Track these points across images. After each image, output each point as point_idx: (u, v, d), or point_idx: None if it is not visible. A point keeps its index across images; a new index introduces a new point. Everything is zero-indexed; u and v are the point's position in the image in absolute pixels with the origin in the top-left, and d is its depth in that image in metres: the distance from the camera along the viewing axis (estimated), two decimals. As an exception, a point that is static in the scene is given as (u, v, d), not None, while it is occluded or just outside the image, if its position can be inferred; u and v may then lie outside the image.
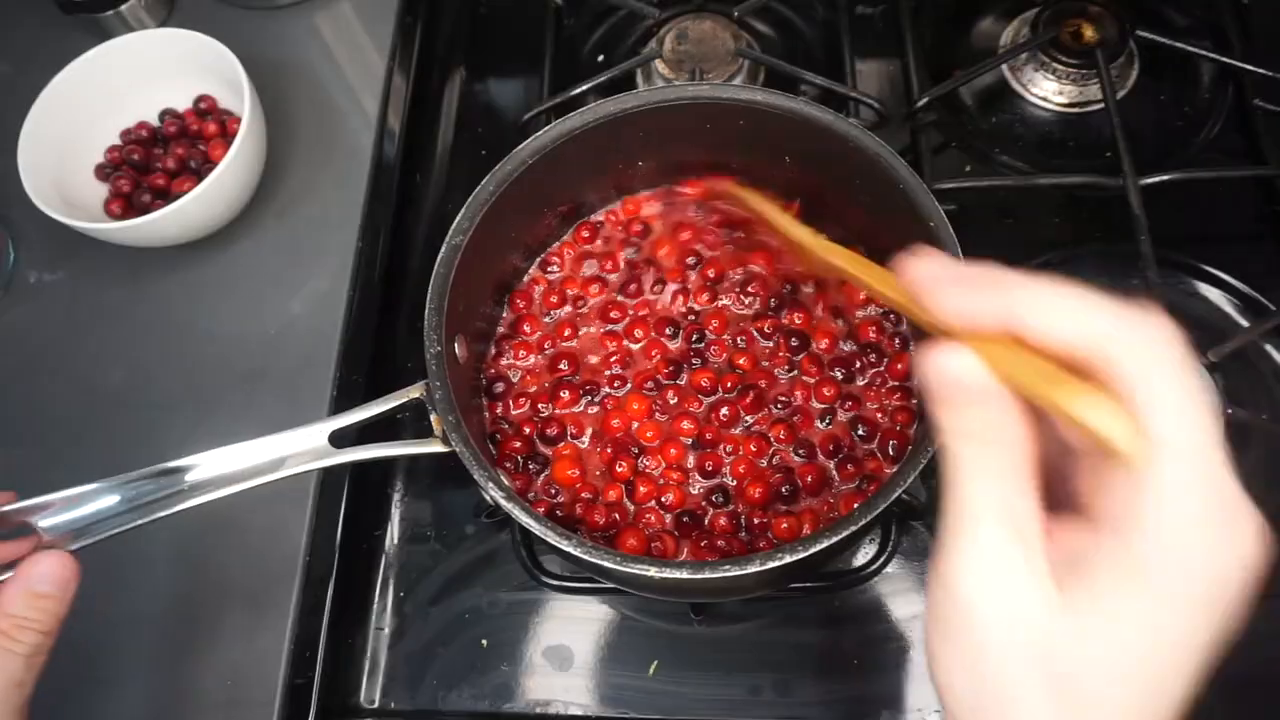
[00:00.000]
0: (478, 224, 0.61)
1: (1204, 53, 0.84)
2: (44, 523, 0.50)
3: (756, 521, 0.63)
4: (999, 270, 0.34)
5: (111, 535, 0.51)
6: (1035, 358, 0.32)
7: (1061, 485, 0.35)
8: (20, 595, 0.49)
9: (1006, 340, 0.33)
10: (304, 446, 0.55)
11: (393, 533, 0.75)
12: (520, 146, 0.63)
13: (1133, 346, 0.31)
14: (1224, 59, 0.83)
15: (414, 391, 0.57)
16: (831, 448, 0.64)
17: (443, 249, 0.60)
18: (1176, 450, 0.30)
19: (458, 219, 0.61)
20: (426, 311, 0.58)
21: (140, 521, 0.51)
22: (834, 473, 0.64)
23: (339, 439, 0.55)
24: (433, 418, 0.56)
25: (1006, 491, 0.33)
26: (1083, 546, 0.32)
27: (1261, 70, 0.82)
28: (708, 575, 0.51)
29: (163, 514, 0.52)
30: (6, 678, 0.48)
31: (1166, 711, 0.31)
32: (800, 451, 0.64)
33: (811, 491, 0.63)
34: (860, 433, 0.65)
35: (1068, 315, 0.32)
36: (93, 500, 0.51)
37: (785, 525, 0.62)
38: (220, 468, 0.53)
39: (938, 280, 0.35)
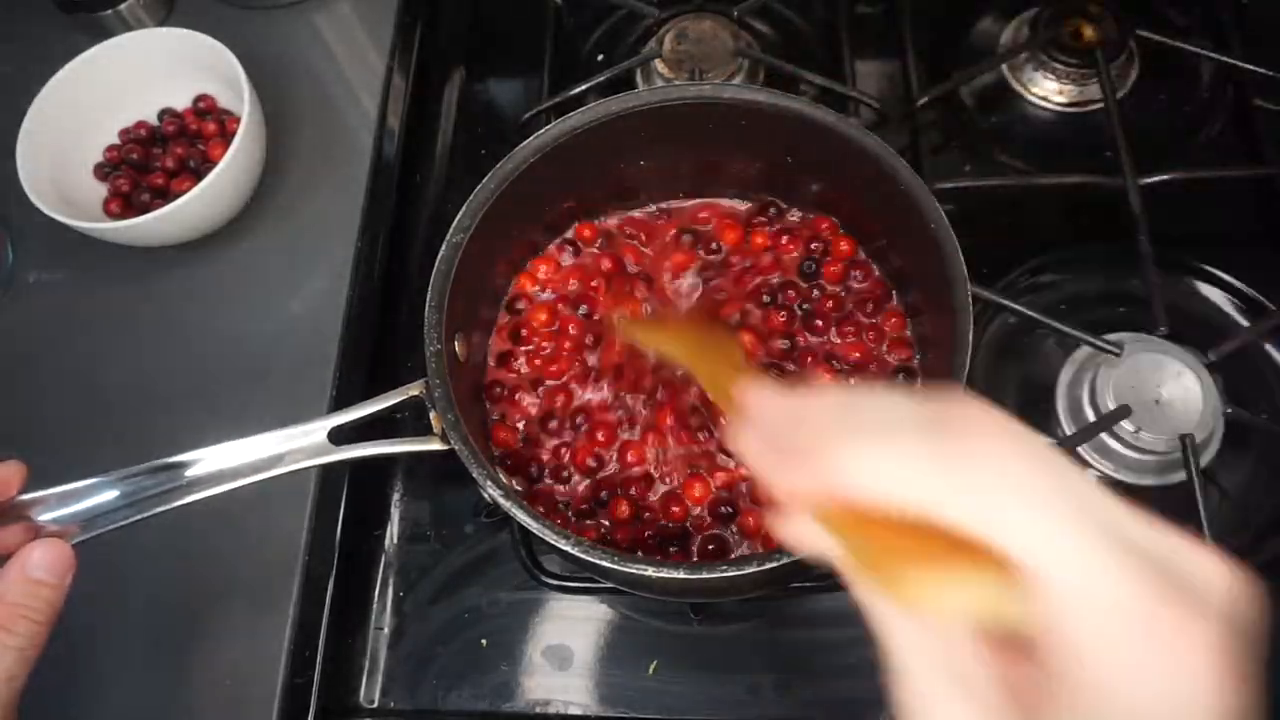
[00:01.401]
0: (479, 223, 0.61)
1: (1204, 52, 0.84)
2: (43, 517, 0.50)
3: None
4: (819, 420, 0.31)
5: (110, 530, 0.51)
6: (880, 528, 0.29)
7: None
8: (17, 582, 0.47)
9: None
10: (303, 443, 0.55)
11: (392, 532, 0.75)
12: (521, 145, 0.63)
13: (975, 492, 0.28)
14: (1224, 58, 0.83)
15: (413, 389, 0.57)
16: None
17: (443, 247, 0.60)
18: (1068, 589, 0.27)
19: (458, 217, 0.61)
20: (426, 310, 0.58)
21: (139, 517, 0.51)
22: None
23: (338, 436, 0.55)
24: (432, 416, 0.56)
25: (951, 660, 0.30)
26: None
27: (1261, 70, 0.82)
28: (705, 575, 0.51)
29: (162, 509, 0.52)
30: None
31: None
32: None
33: None
34: None
35: (888, 474, 0.29)
36: (92, 495, 0.51)
37: None
38: (220, 463, 0.53)
39: (760, 454, 0.33)
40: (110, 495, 0.51)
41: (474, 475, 0.53)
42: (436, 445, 0.56)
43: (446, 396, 0.55)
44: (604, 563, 0.51)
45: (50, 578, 0.48)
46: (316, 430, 0.55)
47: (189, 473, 0.53)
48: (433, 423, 0.56)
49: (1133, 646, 0.26)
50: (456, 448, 0.54)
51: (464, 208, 0.61)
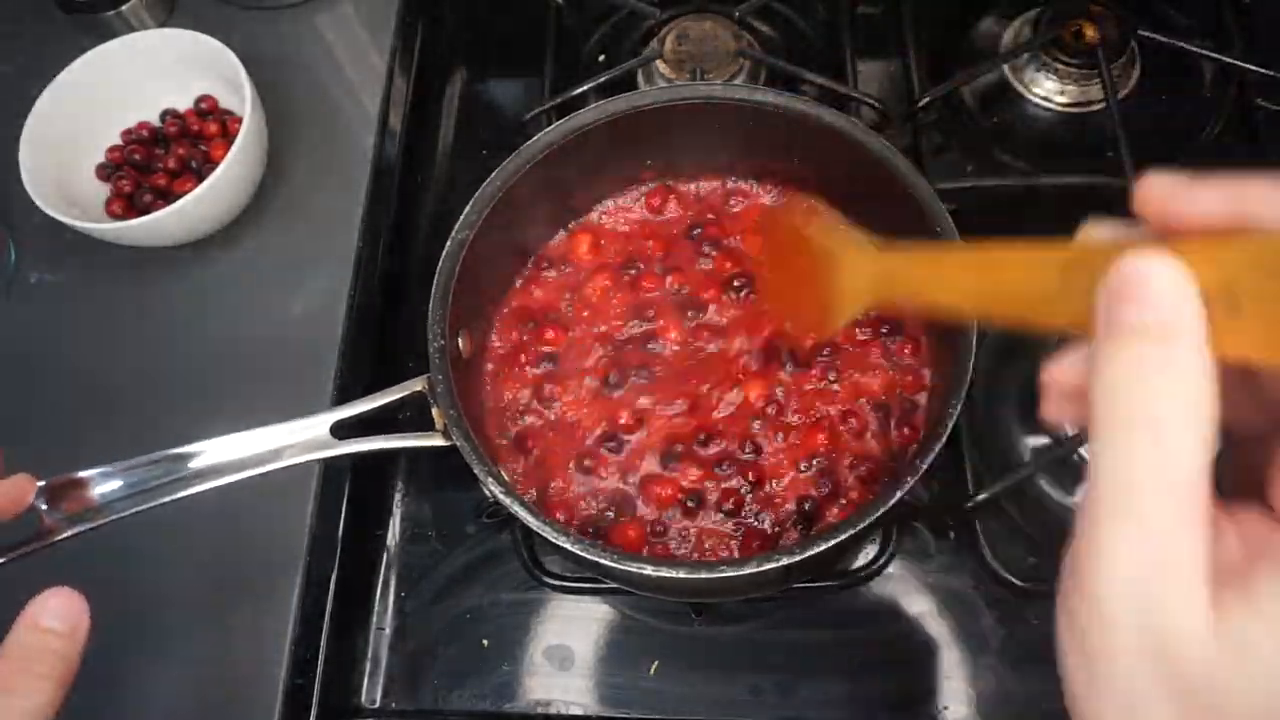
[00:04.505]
0: (484, 219, 0.61)
1: (1205, 52, 0.84)
2: (43, 505, 0.50)
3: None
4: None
5: (114, 520, 0.51)
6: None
7: (1243, 473, 0.29)
8: (22, 635, 0.41)
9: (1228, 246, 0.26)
10: (306, 436, 0.55)
11: (394, 533, 0.75)
12: (530, 142, 0.63)
13: None
14: (1225, 59, 0.83)
15: (416, 384, 0.57)
16: None
17: (449, 243, 0.60)
18: None
19: (465, 212, 0.61)
20: (431, 305, 0.58)
21: (143, 507, 0.51)
22: None
23: (341, 431, 0.55)
24: (434, 411, 0.56)
25: (1180, 456, 0.25)
26: (1257, 545, 0.26)
27: (1263, 70, 0.82)
28: (703, 575, 0.51)
29: (165, 500, 0.52)
30: None
31: None
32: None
33: None
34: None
35: None
36: (96, 485, 0.51)
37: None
38: (223, 455, 0.53)
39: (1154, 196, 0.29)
40: (114, 485, 0.52)
41: (475, 471, 0.53)
42: (439, 441, 0.56)
43: (449, 392, 0.55)
44: (604, 561, 0.51)
45: (61, 625, 0.42)
46: (320, 424, 0.55)
47: (192, 464, 0.53)
48: (435, 418, 0.56)
49: None
50: (458, 443, 0.54)
51: (470, 204, 0.61)
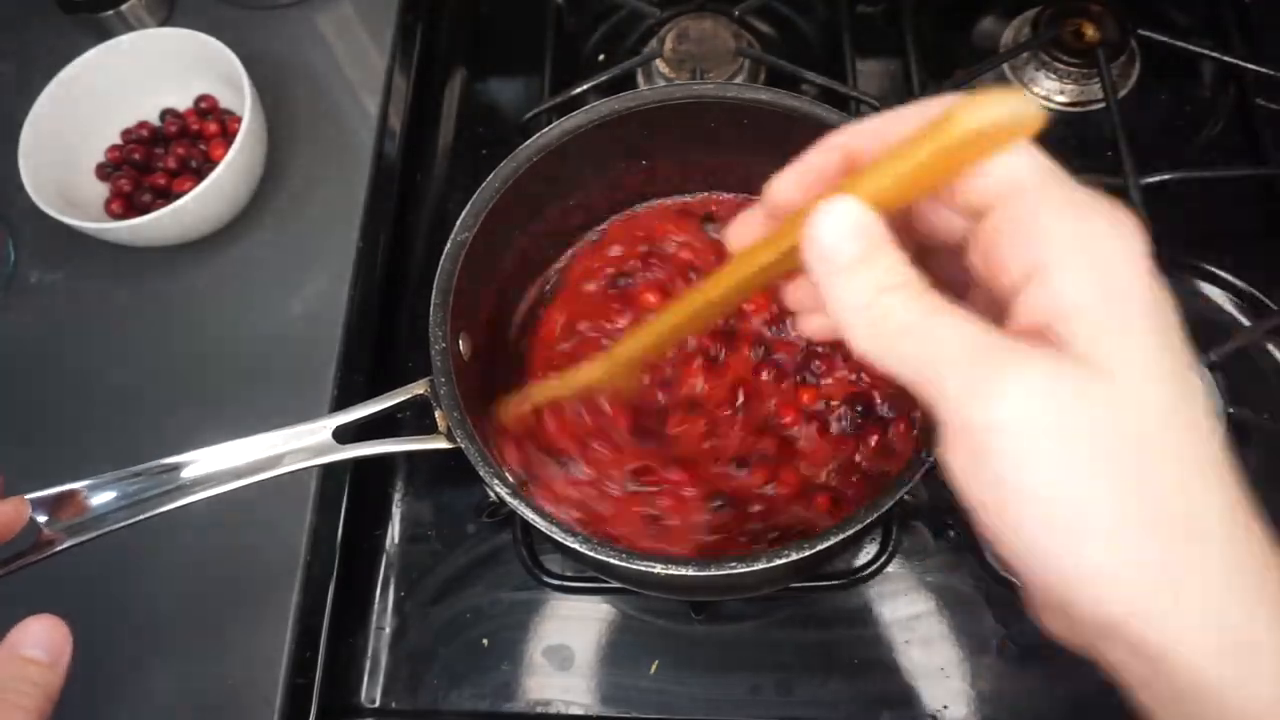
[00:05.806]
0: (483, 221, 0.61)
1: (1205, 52, 0.84)
2: (41, 517, 0.50)
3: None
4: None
5: (109, 532, 0.51)
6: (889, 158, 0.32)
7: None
8: (3, 663, 0.40)
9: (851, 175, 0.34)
10: (308, 442, 0.54)
11: (393, 532, 0.75)
12: (526, 143, 0.63)
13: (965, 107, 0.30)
14: (1225, 58, 0.83)
15: (418, 388, 0.57)
16: None
17: (448, 245, 0.60)
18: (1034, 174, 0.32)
19: (463, 215, 0.61)
20: (431, 307, 0.58)
21: (138, 518, 0.51)
22: None
23: (342, 435, 0.55)
24: (437, 414, 0.56)
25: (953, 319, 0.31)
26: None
27: (1263, 69, 0.82)
28: (713, 572, 0.51)
29: (165, 508, 0.51)
30: None
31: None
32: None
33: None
34: None
35: (896, 117, 0.34)
36: (89, 496, 0.51)
37: None
38: (220, 464, 0.53)
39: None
40: (108, 496, 0.51)
41: (481, 474, 0.53)
42: (442, 444, 0.56)
43: (452, 394, 0.55)
44: (611, 560, 0.51)
45: (42, 655, 0.41)
46: (321, 429, 0.55)
47: (190, 473, 0.52)
48: (438, 421, 0.56)
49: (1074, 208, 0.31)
50: (463, 446, 0.54)
51: (468, 206, 0.61)
